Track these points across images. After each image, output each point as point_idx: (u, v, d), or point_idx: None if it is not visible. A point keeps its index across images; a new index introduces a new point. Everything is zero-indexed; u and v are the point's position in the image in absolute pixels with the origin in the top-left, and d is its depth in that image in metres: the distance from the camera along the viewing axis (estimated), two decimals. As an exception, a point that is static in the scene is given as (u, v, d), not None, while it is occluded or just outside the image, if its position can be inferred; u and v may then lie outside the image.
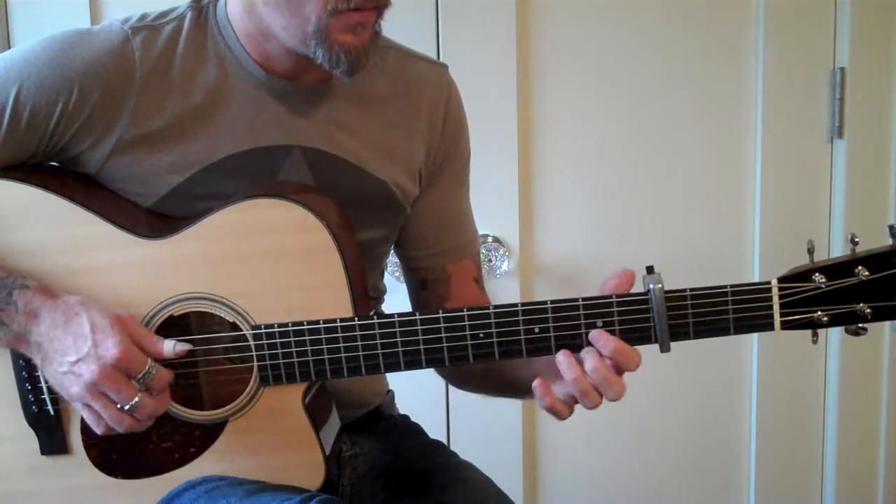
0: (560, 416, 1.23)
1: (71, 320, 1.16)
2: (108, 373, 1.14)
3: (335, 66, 1.22)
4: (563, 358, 1.19)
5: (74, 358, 1.15)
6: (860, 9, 2.08)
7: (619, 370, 1.18)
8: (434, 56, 1.91)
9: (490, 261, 1.97)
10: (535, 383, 1.21)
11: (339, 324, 1.21)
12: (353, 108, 1.35)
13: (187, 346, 1.20)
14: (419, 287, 1.49)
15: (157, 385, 1.18)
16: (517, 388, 1.36)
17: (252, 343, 1.23)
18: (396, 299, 1.54)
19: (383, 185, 1.37)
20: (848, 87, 2.10)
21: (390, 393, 1.60)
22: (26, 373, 1.25)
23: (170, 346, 1.19)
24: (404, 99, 1.40)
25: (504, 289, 2.02)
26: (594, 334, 1.19)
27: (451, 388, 2.01)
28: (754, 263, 2.15)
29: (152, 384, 1.17)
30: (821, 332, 1.19)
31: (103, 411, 1.17)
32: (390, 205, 1.39)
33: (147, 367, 1.16)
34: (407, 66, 1.41)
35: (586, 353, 1.19)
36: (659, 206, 2.10)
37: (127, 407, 1.16)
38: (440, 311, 1.20)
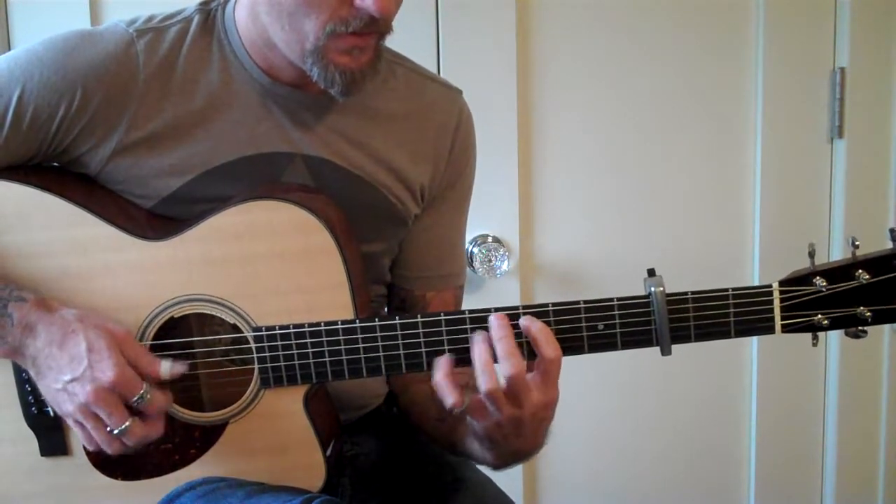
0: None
1: (67, 338, 1.16)
2: (102, 395, 1.14)
3: (330, 86, 1.22)
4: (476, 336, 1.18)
5: (69, 377, 1.15)
6: (860, 9, 2.08)
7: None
8: (434, 56, 1.92)
9: (490, 261, 1.97)
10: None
11: (340, 325, 1.21)
12: (358, 120, 1.35)
13: (184, 367, 1.20)
14: (398, 306, 1.48)
15: (151, 409, 1.17)
16: (463, 454, 1.35)
17: (253, 345, 1.23)
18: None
19: (385, 196, 1.37)
20: (848, 87, 2.10)
21: (391, 394, 1.60)
22: (26, 374, 1.24)
23: (166, 368, 1.19)
24: (413, 120, 1.39)
25: (504, 289, 2.02)
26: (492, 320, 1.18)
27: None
28: (754, 264, 2.15)
29: (146, 408, 1.16)
30: (821, 334, 1.19)
31: (94, 432, 1.17)
32: (392, 216, 1.39)
33: (142, 392, 1.15)
34: (420, 88, 1.41)
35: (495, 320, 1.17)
36: (659, 207, 2.10)
37: (116, 431, 1.15)
38: (441, 314, 1.20)
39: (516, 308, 1.19)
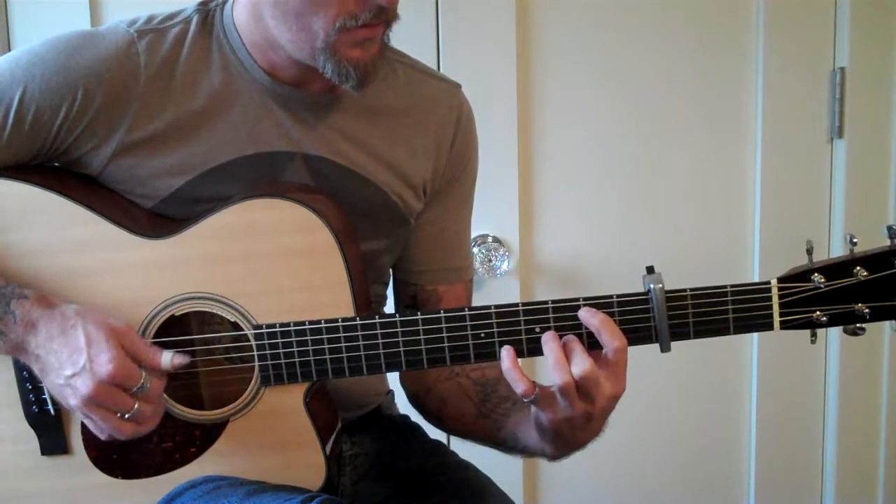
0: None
1: (67, 332, 1.16)
2: (103, 388, 1.14)
3: (344, 81, 1.22)
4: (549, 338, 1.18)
5: (70, 372, 1.15)
6: (860, 9, 2.08)
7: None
8: (434, 56, 1.92)
9: (490, 261, 1.97)
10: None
11: (340, 323, 1.21)
12: (358, 119, 1.35)
13: (186, 359, 1.20)
14: (409, 304, 1.48)
15: (151, 398, 1.17)
16: (511, 450, 1.36)
17: (253, 343, 1.23)
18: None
19: (385, 194, 1.36)
20: (848, 87, 2.10)
21: (390, 393, 1.60)
22: (27, 373, 1.25)
23: (167, 359, 1.19)
24: (413, 116, 1.39)
25: (504, 289, 2.02)
26: (584, 313, 1.18)
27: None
28: (754, 263, 2.15)
29: (146, 397, 1.17)
30: (820, 332, 1.20)
31: (103, 423, 1.17)
32: (393, 215, 1.39)
33: (141, 382, 1.16)
34: (419, 84, 1.41)
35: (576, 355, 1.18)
36: (659, 206, 2.10)
37: (128, 416, 1.16)
38: (441, 311, 1.21)
39: (515, 305, 1.20)
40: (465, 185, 1.47)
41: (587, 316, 1.18)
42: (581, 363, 1.15)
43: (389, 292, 1.52)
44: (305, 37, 1.21)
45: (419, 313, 1.21)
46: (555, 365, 1.16)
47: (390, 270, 1.49)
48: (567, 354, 1.16)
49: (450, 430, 1.50)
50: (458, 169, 1.44)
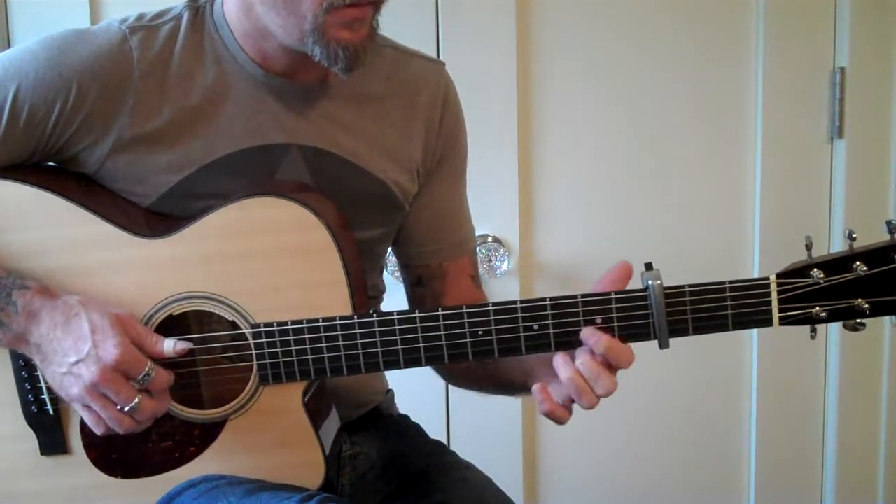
0: (560, 421, 1.22)
1: (70, 321, 1.16)
2: (108, 374, 1.14)
3: (333, 63, 1.22)
4: (560, 359, 1.20)
5: (74, 359, 1.15)
6: (860, 9, 2.08)
7: (612, 367, 1.19)
8: (434, 56, 1.92)
9: (490, 261, 1.97)
10: (535, 388, 1.21)
11: (338, 322, 1.21)
12: (350, 106, 1.36)
13: (188, 345, 1.20)
14: (415, 283, 1.49)
15: (156, 387, 1.18)
16: (511, 388, 1.38)
17: (251, 342, 1.23)
18: (395, 299, 1.54)
19: (381, 183, 1.37)
20: (848, 87, 2.10)
21: (390, 392, 1.60)
22: (26, 373, 1.25)
23: (170, 346, 1.19)
24: (401, 97, 1.40)
25: (504, 289, 2.02)
26: (585, 333, 1.18)
27: (451, 387, 2.01)
28: (754, 263, 2.15)
29: (151, 386, 1.17)
30: (820, 328, 1.19)
31: (103, 412, 1.17)
32: (389, 203, 1.39)
33: (146, 370, 1.16)
34: (404, 65, 1.42)
35: (578, 351, 1.19)
36: (659, 206, 2.10)
37: (127, 408, 1.16)
38: (439, 309, 1.21)
39: (514, 303, 1.19)
40: (456, 162, 1.48)
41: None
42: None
43: (388, 284, 1.53)
44: (294, 20, 1.21)
45: (416, 311, 1.21)
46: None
47: (386, 258, 1.49)
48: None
49: (453, 382, 1.54)
50: (448, 147, 1.45)
